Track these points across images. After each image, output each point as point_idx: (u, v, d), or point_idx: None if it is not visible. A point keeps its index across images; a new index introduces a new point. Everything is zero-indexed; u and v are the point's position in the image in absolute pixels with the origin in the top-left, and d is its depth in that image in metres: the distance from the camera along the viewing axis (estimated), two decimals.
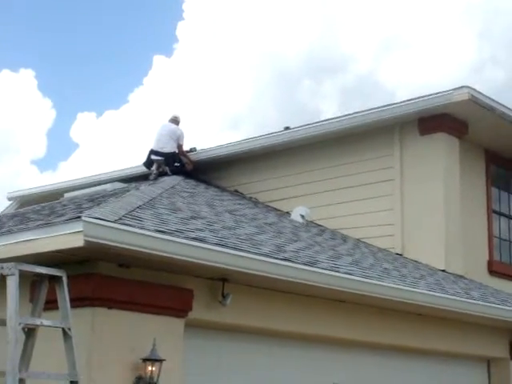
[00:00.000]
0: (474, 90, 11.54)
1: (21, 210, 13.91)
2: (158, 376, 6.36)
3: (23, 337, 5.53)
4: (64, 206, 9.97)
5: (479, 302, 9.52)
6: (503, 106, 12.01)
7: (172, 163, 13.47)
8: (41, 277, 5.59)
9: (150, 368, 6.36)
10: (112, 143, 41.84)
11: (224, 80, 39.67)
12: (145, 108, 41.48)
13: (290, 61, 36.17)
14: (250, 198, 13.51)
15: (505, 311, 9.88)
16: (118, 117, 42.33)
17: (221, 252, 6.58)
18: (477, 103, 11.55)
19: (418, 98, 12.18)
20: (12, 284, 5.19)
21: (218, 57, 39.01)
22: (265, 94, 37.70)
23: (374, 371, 8.91)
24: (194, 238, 6.53)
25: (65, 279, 5.53)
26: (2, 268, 5.28)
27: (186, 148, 14.02)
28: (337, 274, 7.65)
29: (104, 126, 41.83)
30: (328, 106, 37.37)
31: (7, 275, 5.23)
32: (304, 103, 36.77)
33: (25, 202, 16.54)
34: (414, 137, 12.20)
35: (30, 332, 5.57)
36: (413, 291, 8.51)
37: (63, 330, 5.46)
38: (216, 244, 6.69)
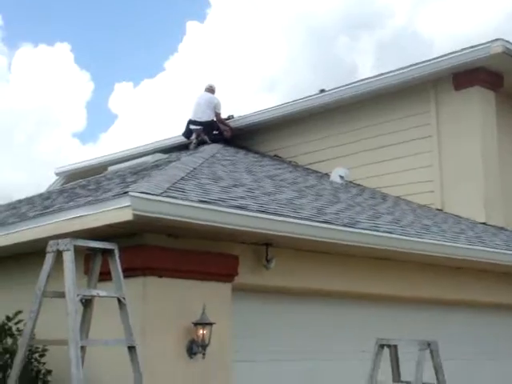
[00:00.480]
0: (508, 41, 11.53)
1: (68, 185, 14.34)
2: (210, 338, 6.69)
3: (81, 308, 5.88)
4: (109, 179, 10.31)
5: None
6: None
7: (211, 131, 13.74)
8: (94, 251, 5.91)
9: (201, 331, 6.67)
10: (150, 112, 42.16)
11: (258, 42, 39.60)
12: (181, 75, 41.64)
13: (325, 19, 35.99)
14: (290, 161, 13.72)
15: None
16: (155, 85, 42.61)
17: (263, 218, 6.82)
18: (511, 55, 11.55)
19: (451, 53, 12.20)
20: (68, 259, 5.50)
21: (251, 19, 38.94)
22: (300, 53, 37.61)
23: (417, 325, 9.10)
24: (237, 207, 6.79)
25: (117, 252, 5.82)
26: (58, 244, 5.59)
27: (223, 116, 14.28)
28: (376, 233, 7.84)
29: (142, 95, 42.16)
30: (364, 62, 37.20)
31: (63, 250, 5.54)
32: (340, 60, 36.62)
33: (71, 176, 17.04)
34: (449, 92, 12.25)
35: (87, 303, 5.91)
36: (453, 246, 8.66)
37: (118, 299, 5.77)
38: (258, 211, 6.94)
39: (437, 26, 37.26)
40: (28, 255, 7.46)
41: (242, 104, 38.20)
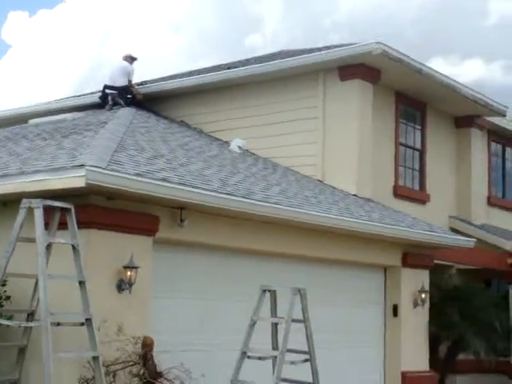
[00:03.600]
0: (386, 45, 13.81)
1: None
2: (135, 279, 8.69)
3: None
4: (41, 138, 11.93)
5: (377, 224, 11.92)
6: (408, 57, 14.31)
7: (125, 95, 15.47)
8: (54, 208, 7.76)
9: (129, 273, 8.67)
10: (47, 43, 41.51)
11: None
12: (82, 8, 41.03)
13: None
14: (195, 128, 15.66)
15: (397, 230, 12.24)
16: (52, 16, 41.75)
17: (180, 189, 8.86)
18: (387, 56, 13.85)
19: (338, 46, 14.52)
20: (38, 214, 7.37)
21: None
22: None
23: (293, 276, 11.22)
24: (162, 179, 8.78)
25: (73, 210, 7.71)
26: (31, 202, 7.45)
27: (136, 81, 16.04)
28: (267, 204, 10.00)
29: (38, 26, 41.33)
30: (271, 13, 38.54)
31: (35, 208, 7.40)
32: (246, 9, 37.76)
33: None
34: (335, 82, 14.50)
35: (46, 248, 7.75)
36: (325, 216, 10.88)
37: (73, 246, 7.67)
38: (177, 183, 8.95)
39: None
40: None
41: (146, 47, 38.90)
